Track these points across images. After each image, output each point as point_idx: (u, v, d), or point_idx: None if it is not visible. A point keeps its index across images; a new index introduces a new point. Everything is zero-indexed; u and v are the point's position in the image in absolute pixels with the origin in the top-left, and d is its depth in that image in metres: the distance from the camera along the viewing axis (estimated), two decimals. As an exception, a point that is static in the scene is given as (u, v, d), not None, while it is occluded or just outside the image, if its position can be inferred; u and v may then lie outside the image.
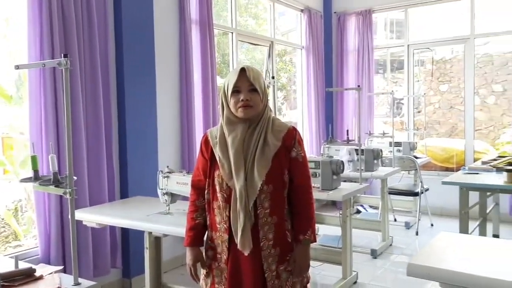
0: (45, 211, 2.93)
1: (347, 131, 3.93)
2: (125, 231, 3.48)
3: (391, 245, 4.45)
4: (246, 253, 1.72)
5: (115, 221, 2.71)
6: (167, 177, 2.65)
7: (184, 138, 4.03)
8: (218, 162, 1.76)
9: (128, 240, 3.49)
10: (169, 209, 2.68)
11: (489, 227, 4.35)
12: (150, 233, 2.71)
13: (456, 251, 1.82)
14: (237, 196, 1.71)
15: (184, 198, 2.73)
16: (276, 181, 1.74)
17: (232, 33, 4.87)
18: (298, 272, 1.79)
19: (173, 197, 2.68)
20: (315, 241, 1.84)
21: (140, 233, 2.96)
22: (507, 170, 3.03)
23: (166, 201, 2.68)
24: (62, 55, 1.56)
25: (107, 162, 3.29)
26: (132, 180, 3.51)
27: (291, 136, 1.80)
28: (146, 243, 2.79)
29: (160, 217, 2.61)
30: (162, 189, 2.68)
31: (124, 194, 3.48)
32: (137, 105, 3.57)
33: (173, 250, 3.88)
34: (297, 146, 1.81)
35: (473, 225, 3.60)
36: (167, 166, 2.77)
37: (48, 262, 2.86)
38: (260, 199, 1.72)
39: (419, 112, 6.98)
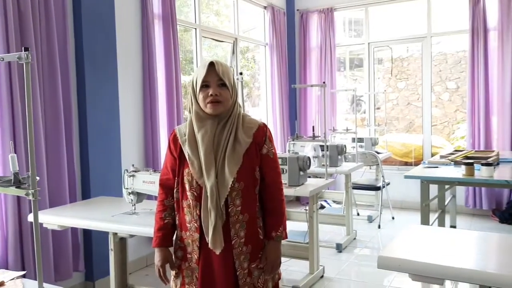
0: (2, 213, 2.78)
1: (313, 127, 3.97)
2: (87, 233, 3.36)
3: (355, 238, 4.55)
4: (217, 252, 1.69)
5: (79, 222, 2.61)
6: (133, 176, 2.57)
7: (148, 135, 3.93)
8: (188, 159, 1.72)
9: (91, 242, 3.38)
10: (135, 209, 2.61)
11: (447, 219, 4.54)
12: (115, 234, 2.63)
13: (423, 242, 1.88)
14: (208, 194, 1.67)
15: (149, 197, 2.67)
16: (248, 178, 1.73)
17: (195, 29, 4.80)
18: (270, 269, 1.79)
19: (139, 196, 2.61)
20: (287, 238, 1.84)
21: (103, 235, 2.87)
22: (466, 164, 3.16)
23: (132, 200, 2.61)
24: (23, 48, 1.47)
25: (67, 161, 3.16)
26: (94, 180, 3.39)
27: (262, 133, 1.78)
28: (111, 245, 2.71)
29: (126, 217, 2.53)
30: (127, 188, 2.60)
31: (86, 195, 3.36)
32: (99, 102, 3.45)
33: (138, 251, 3.79)
34: (268, 143, 1.80)
35: (432, 217, 3.73)
36: (133, 165, 2.69)
37: (6, 267, 2.72)
38: (231, 197, 1.70)
39: (378, 108, 7.17)
